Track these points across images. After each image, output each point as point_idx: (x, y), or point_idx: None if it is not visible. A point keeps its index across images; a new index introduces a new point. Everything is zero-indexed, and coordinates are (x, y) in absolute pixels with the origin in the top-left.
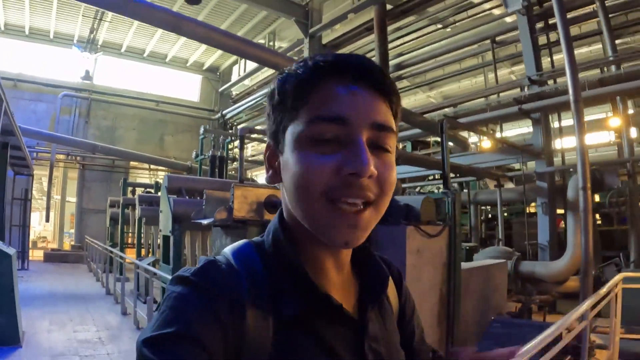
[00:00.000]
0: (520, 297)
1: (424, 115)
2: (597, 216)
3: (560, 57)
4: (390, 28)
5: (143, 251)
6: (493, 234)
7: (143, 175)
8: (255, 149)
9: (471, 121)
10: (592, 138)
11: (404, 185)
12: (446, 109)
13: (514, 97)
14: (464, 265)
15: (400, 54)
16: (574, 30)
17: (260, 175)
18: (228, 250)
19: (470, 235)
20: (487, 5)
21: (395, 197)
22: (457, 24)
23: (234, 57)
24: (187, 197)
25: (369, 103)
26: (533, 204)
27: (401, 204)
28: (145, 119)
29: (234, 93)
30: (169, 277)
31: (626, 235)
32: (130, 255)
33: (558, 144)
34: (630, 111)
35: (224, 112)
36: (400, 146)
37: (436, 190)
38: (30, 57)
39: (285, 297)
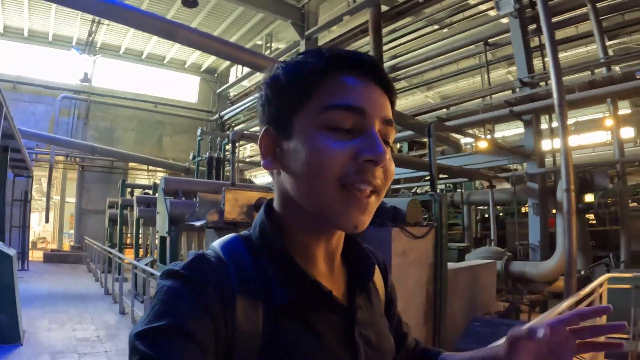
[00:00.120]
0: (509, 297)
1: (419, 117)
2: (592, 216)
3: None
4: (385, 30)
5: (141, 252)
6: (488, 234)
7: (142, 176)
8: (254, 149)
9: (464, 123)
10: (591, 138)
11: (398, 187)
12: (440, 111)
13: (505, 99)
14: (452, 265)
15: (396, 56)
16: (571, 31)
17: (259, 176)
18: (217, 244)
19: (464, 236)
20: (482, 7)
21: (383, 199)
22: (454, 25)
23: None
24: (183, 198)
25: (379, 98)
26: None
27: (388, 206)
28: (144, 120)
29: (231, 94)
30: None
31: (618, 235)
32: (128, 255)
33: (550, 145)
34: (628, 111)
35: (222, 113)
36: (398, 146)
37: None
38: (29, 60)
39: (274, 286)
